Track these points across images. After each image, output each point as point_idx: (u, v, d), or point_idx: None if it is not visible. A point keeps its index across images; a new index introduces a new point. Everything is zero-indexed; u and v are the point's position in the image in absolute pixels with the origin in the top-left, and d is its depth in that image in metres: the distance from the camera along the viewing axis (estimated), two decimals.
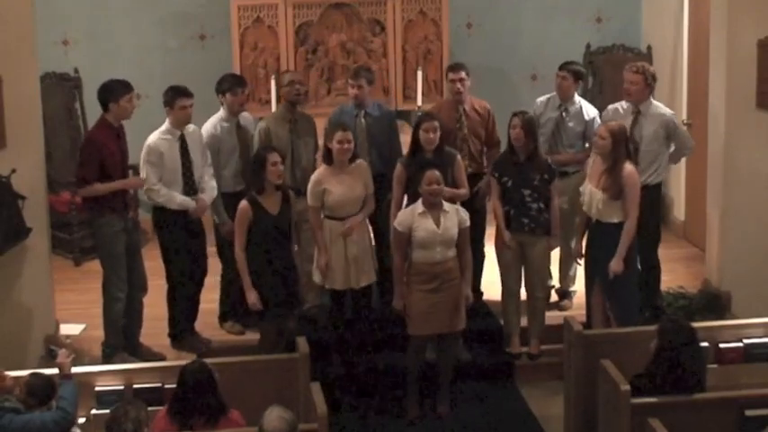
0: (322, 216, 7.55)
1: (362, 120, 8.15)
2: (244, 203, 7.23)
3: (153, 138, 7.73)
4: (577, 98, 8.38)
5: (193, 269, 7.95)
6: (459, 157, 7.80)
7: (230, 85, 8.05)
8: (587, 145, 8.28)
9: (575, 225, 8.05)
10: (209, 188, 7.89)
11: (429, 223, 7.17)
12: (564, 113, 8.30)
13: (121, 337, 7.82)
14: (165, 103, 7.74)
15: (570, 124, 8.30)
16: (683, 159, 8.82)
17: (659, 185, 8.16)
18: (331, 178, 7.49)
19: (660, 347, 6.14)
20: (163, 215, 7.82)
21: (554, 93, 8.38)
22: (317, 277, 7.65)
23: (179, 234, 7.82)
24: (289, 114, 8.11)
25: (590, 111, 8.37)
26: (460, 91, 8.15)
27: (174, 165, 7.74)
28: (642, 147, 7.86)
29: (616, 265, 7.32)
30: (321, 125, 8.21)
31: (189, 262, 7.90)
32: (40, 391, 5.92)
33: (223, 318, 8.30)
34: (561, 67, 8.34)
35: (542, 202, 7.75)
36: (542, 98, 8.44)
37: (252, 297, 7.23)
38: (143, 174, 7.74)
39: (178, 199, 7.74)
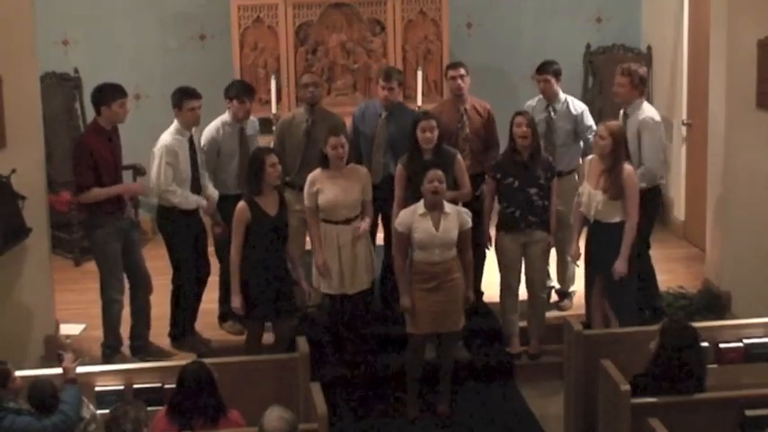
0: (317, 218, 7.56)
1: (385, 120, 8.15)
2: (242, 204, 7.22)
3: (168, 138, 7.72)
4: (563, 96, 8.37)
5: (196, 270, 7.96)
6: (459, 156, 7.79)
7: (237, 93, 8.02)
8: (581, 144, 8.30)
9: (569, 226, 8.07)
10: (212, 186, 7.92)
11: (428, 225, 7.16)
12: (552, 113, 8.31)
13: (120, 337, 7.85)
14: (174, 105, 7.75)
15: (560, 123, 8.31)
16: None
17: (654, 189, 8.01)
18: (325, 180, 7.49)
19: (661, 348, 6.14)
20: (166, 216, 7.82)
21: (540, 95, 8.39)
22: (314, 281, 7.66)
23: (182, 235, 7.83)
24: (306, 114, 8.12)
25: (577, 106, 8.39)
26: (461, 87, 8.16)
27: (185, 165, 7.76)
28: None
29: (621, 266, 7.33)
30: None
31: (192, 262, 7.91)
32: (42, 398, 5.93)
33: (223, 318, 8.30)
34: (541, 71, 8.31)
35: (546, 200, 7.76)
36: (531, 101, 8.43)
37: (236, 301, 7.23)
38: (160, 175, 7.68)
39: (192, 198, 7.76)
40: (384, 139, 8.12)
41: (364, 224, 7.59)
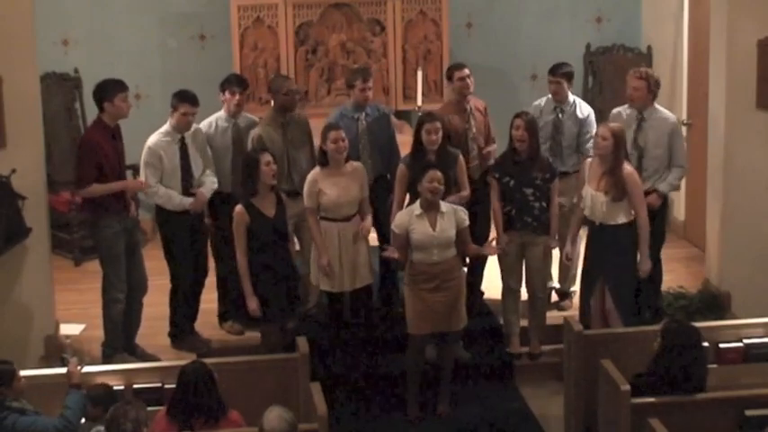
0: (318, 217, 7.56)
1: (364, 121, 8.15)
2: (239, 208, 7.19)
3: (153, 139, 7.75)
4: (572, 97, 8.37)
5: (195, 269, 7.96)
6: (461, 157, 7.78)
7: (229, 84, 8.07)
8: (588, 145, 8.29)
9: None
10: (209, 182, 7.90)
11: (425, 226, 7.16)
12: (560, 115, 8.30)
13: (121, 337, 7.84)
14: (171, 105, 7.76)
15: (568, 124, 8.31)
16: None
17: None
18: (325, 179, 7.49)
19: (663, 348, 6.14)
20: (165, 215, 7.84)
21: (549, 95, 8.37)
22: (313, 279, 7.67)
23: (181, 234, 7.84)
24: (281, 118, 8.06)
25: (584, 109, 8.37)
26: (469, 86, 8.14)
27: (172, 166, 7.75)
28: (648, 153, 7.86)
29: (645, 264, 7.35)
30: (320, 126, 8.16)
31: (190, 262, 7.91)
32: (103, 399, 5.97)
33: (223, 318, 8.30)
34: (554, 73, 8.27)
35: (544, 202, 7.75)
36: (538, 101, 8.42)
37: (253, 304, 7.20)
38: (142, 175, 7.75)
39: (176, 199, 7.76)
40: (367, 140, 8.10)
41: (366, 223, 7.59)
